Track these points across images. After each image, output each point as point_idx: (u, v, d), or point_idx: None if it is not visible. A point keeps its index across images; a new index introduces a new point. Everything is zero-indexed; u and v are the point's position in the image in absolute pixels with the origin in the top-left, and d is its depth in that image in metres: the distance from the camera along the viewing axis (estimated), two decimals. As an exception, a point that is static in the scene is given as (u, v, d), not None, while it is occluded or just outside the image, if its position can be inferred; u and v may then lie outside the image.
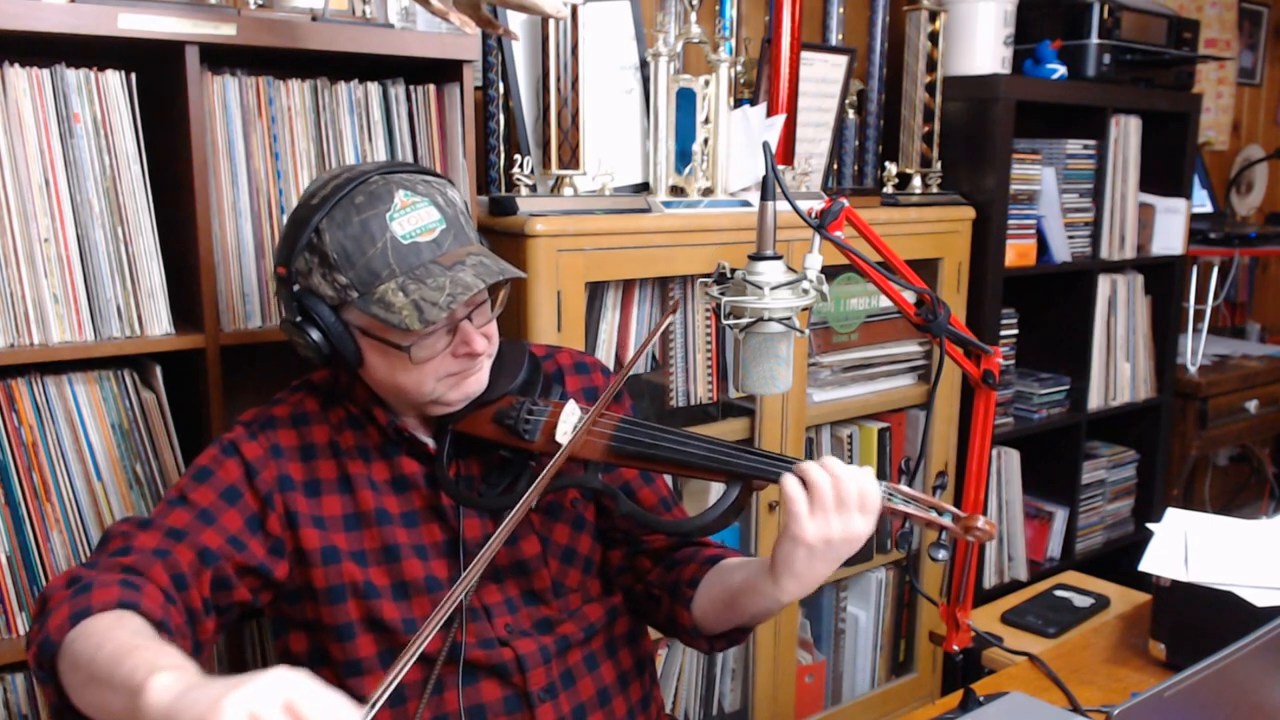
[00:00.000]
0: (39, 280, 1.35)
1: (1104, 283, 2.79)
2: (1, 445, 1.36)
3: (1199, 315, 3.09)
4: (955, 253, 2.33)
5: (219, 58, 1.44)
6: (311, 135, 1.52)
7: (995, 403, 1.27)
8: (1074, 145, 2.64)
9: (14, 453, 1.36)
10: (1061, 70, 2.53)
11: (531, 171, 1.86)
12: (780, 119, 2.07)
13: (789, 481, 1.08)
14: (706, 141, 1.97)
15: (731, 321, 1.16)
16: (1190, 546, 1.46)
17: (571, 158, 1.82)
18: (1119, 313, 2.86)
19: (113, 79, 1.37)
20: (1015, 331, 2.68)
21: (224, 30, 1.37)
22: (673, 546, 1.32)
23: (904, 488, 1.12)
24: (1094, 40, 2.55)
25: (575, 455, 1.17)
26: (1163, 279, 2.97)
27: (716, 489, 1.92)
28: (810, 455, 2.20)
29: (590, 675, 1.28)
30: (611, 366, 1.86)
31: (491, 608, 1.23)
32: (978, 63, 2.40)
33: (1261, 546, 1.45)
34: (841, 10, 2.35)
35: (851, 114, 2.36)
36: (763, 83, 2.12)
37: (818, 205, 1.18)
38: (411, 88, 1.59)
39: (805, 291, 1.15)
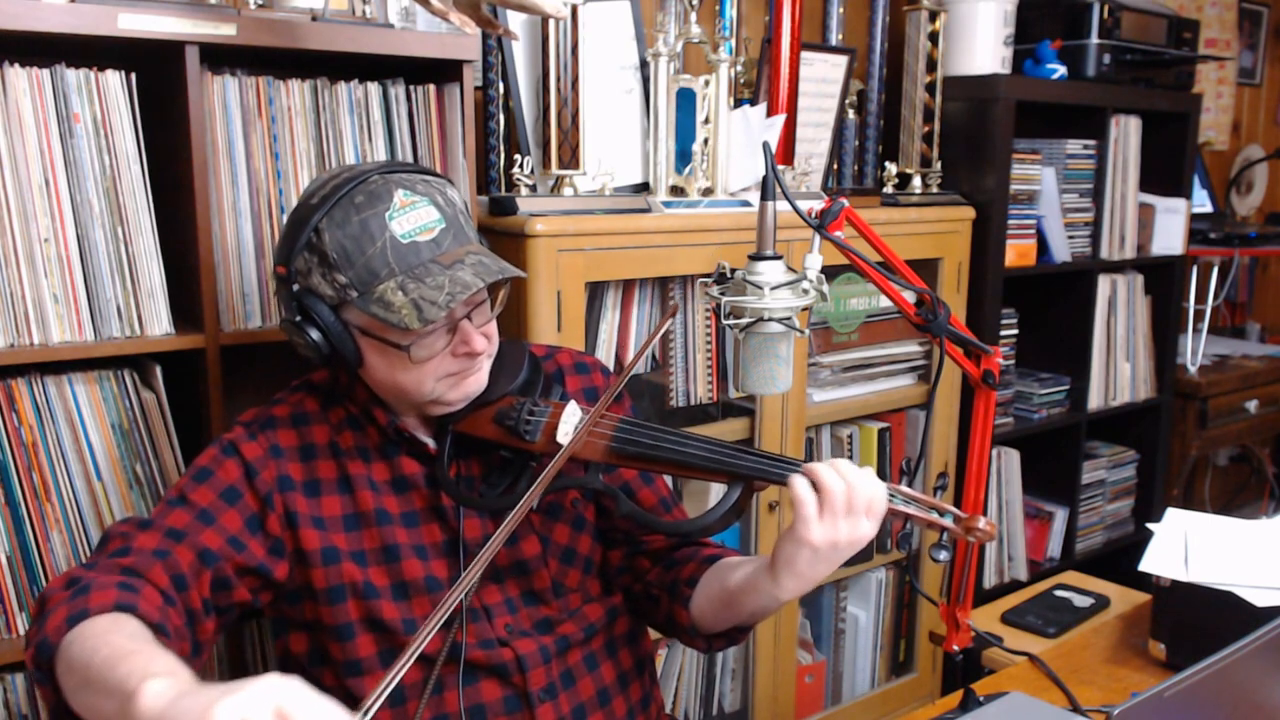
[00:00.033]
0: (39, 280, 1.35)
1: (1104, 283, 2.79)
2: (1, 445, 1.36)
3: (1199, 315, 3.09)
4: (955, 253, 2.33)
5: (219, 58, 1.44)
6: (311, 135, 1.52)
7: (995, 403, 1.27)
8: (1074, 145, 2.64)
9: (14, 453, 1.36)
10: (1061, 70, 2.53)
11: (531, 171, 1.86)
12: (780, 119, 2.07)
13: (799, 483, 1.07)
14: (706, 141, 1.97)
15: (731, 321, 1.16)
16: (1190, 546, 1.46)
17: (571, 158, 1.82)
18: (1119, 313, 2.86)
19: (113, 79, 1.37)
20: (1015, 331, 2.68)
21: (224, 30, 1.37)
22: (672, 547, 1.32)
23: (905, 488, 1.12)
24: (1094, 40, 2.55)
25: (576, 456, 1.17)
26: (1163, 279, 2.97)
27: (717, 489, 1.92)
28: (810, 455, 2.21)
29: (590, 675, 1.28)
30: (611, 367, 1.86)
31: (491, 608, 1.23)
32: (978, 63, 2.40)
33: (1261, 546, 1.45)
34: (841, 10, 2.35)
35: (851, 114, 2.36)
36: (763, 83, 2.12)
37: (818, 205, 1.18)
38: (411, 88, 1.59)
39: (805, 291, 1.15)
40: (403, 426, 1.23)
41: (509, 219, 1.72)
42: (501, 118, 1.90)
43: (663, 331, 1.62)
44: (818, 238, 1.16)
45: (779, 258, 1.16)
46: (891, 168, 2.29)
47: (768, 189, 1.15)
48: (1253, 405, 3.25)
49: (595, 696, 1.27)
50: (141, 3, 1.33)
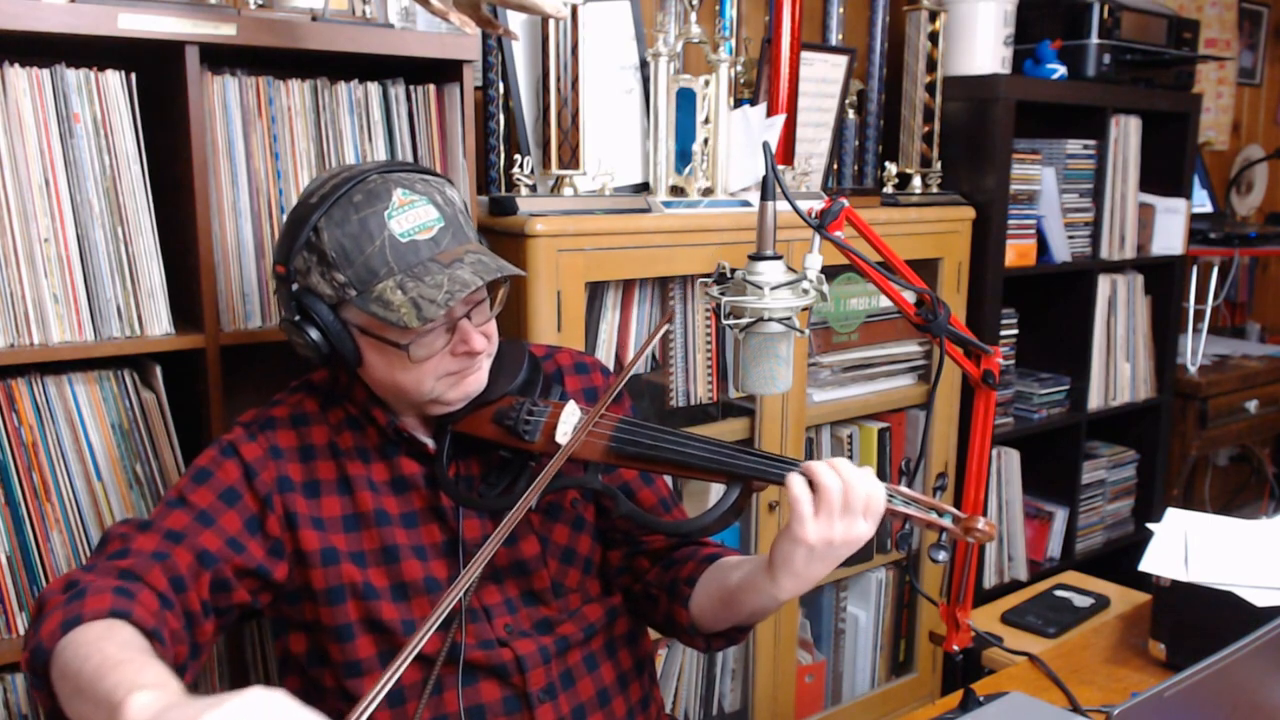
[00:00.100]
0: (39, 280, 1.35)
1: (1104, 283, 2.79)
2: (1, 445, 1.36)
3: (1199, 315, 3.09)
4: (955, 253, 2.33)
5: (219, 58, 1.44)
6: (311, 135, 1.52)
7: (995, 403, 1.27)
8: (1074, 145, 2.64)
9: (14, 453, 1.36)
10: (1061, 70, 2.53)
11: (531, 171, 1.86)
12: (780, 119, 2.07)
13: (796, 482, 1.07)
14: (706, 141, 1.97)
15: (731, 321, 1.16)
16: (1190, 546, 1.46)
17: (571, 158, 1.82)
18: (1119, 313, 2.86)
19: (113, 79, 1.37)
20: (1015, 331, 2.68)
21: (224, 30, 1.37)
22: (671, 546, 1.32)
23: (904, 489, 1.12)
24: (1094, 40, 2.55)
25: (575, 456, 1.17)
26: (1163, 279, 2.97)
27: (716, 489, 1.92)
28: (810, 455, 2.21)
29: (590, 676, 1.28)
30: (611, 367, 1.86)
31: (491, 608, 1.23)
32: (978, 63, 2.40)
33: (1261, 546, 1.45)
34: (841, 10, 2.35)
35: (851, 114, 2.36)
36: (763, 83, 2.12)
37: (818, 205, 1.18)
38: (411, 88, 1.59)
39: (805, 291, 1.15)
40: (402, 426, 1.23)
41: (509, 219, 1.72)
42: (501, 118, 1.90)
43: (659, 335, 1.62)
44: (818, 238, 1.16)
45: (779, 258, 1.16)
46: (891, 168, 2.29)
47: (768, 189, 1.15)
48: (1253, 405, 3.25)
49: (595, 697, 1.27)
50: (141, 3, 1.33)
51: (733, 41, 2.25)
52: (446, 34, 1.57)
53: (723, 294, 1.16)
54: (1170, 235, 2.90)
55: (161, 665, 0.91)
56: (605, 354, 1.90)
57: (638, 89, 2.01)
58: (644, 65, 2.00)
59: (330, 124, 1.52)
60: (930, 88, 2.34)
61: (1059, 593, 1.79)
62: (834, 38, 2.35)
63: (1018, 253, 2.52)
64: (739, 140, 2.01)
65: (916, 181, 2.35)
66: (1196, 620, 1.39)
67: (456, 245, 1.15)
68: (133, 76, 1.39)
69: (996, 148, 2.39)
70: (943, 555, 1.09)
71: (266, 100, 1.47)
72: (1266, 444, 3.66)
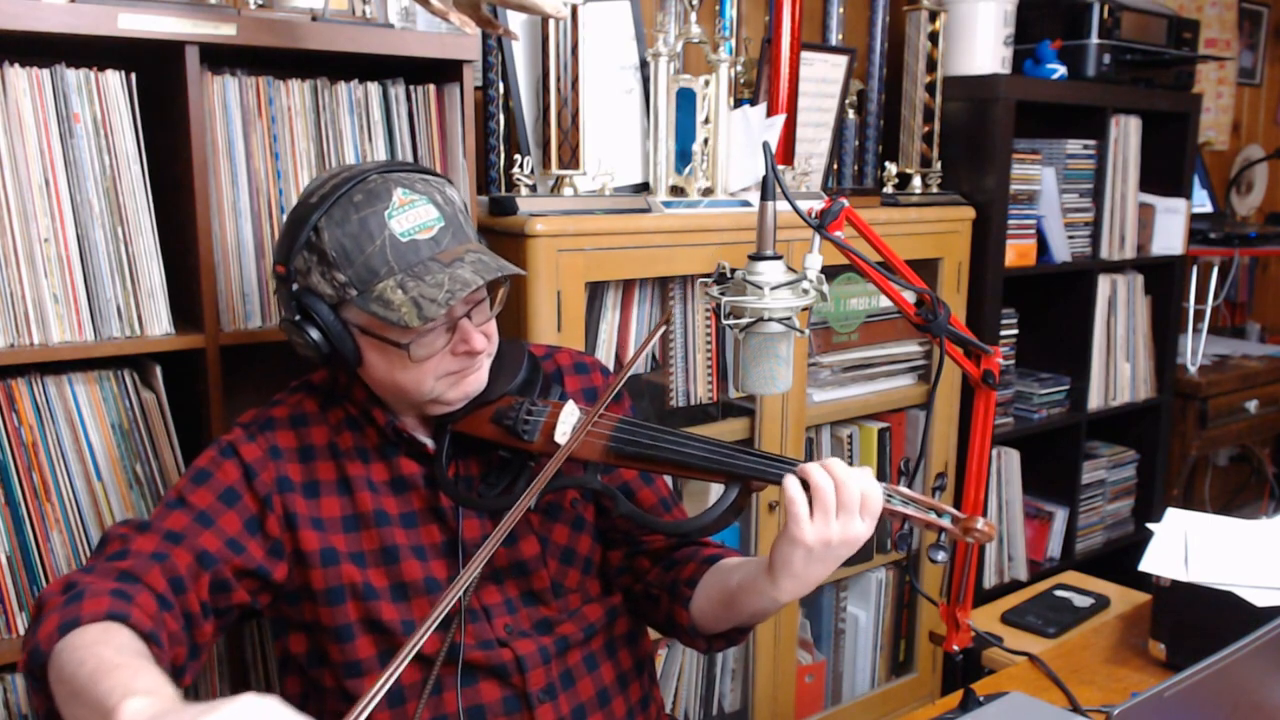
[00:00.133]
0: (39, 280, 1.35)
1: (1104, 283, 2.79)
2: (1, 445, 1.36)
3: (1199, 315, 3.09)
4: (955, 253, 2.33)
5: (219, 58, 1.44)
6: (311, 135, 1.52)
7: (995, 403, 1.27)
8: (1074, 145, 2.64)
9: (14, 453, 1.36)
10: (1061, 70, 2.53)
11: (531, 171, 1.86)
12: (780, 119, 2.07)
13: (790, 483, 1.07)
14: (706, 141, 1.97)
15: (731, 321, 1.16)
16: (1190, 546, 1.46)
17: (571, 158, 1.82)
18: (1119, 313, 2.86)
19: (113, 79, 1.37)
20: (1015, 331, 2.68)
21: (224, 30, 1.37)
22: (672, 547, 1.32)
23: (903, 489, 1.11)
24: (1094, 40, 2.55)
25: (574, 456, 1.17)
26: (1163, 279, 2.97)
27: (716, 489, 1.92)
28: (810, 455, 2.21)
29: (590, 676, 1.28)
30: (611, 367, 1.86)
31: (491, 608, 1.23)
32: (978, 63, 2.40)
33: (1261, 546, 1.45)
34: (841, 10, 2.35)
35: (851, 114, 2.36)
36: (763, 83, 2.12)
37: (818, 205, 1.18)
38: (411, 88, 1.59)
39: (805, 291, 1.15)
40: (401, 427, 1.23)
41: (509, 219, 1.72)
42: (501, 118, 1.90)
43: (657, 336, 1.62)
44: (818, 238, 1.16)
45: (779, 258, 1.16)
46: (891, 168, 2.29)
47: (768, 189, 1.15)
48: (1253, 405, 3.25)
49: (595, 697, 1.27)
50: (141, 3, 1.33)
51: (733, 41, 2.25)
52: (446, 34, 1.57)
53: (723, 294, 1.16)
54: (1170, 235, 2.90)
55: (157, 670, 0.91)
56: (605, 354, 1.90)
57: (638, 89, 2.01)
58: (644, 65, 2.00)
59: (330, 124, 1.52)
60: (930, 88, 2.34)
61: (1059, 593, 1.79)
62: (834, 38, 2.35)
63: (1018, 253, 2.52)
64: (739, 140, 2.01)
65: (916, 181, 2.35)
66: (1196, 620, 1.39)
67: (457, 245, 1.15)
68: (133, 76, 1.39)
69: (996, 148, 2.39)
70: (942, 555, 1.09)
71: (266, 100, 1.47)
72: (1266, 444, 3.66)
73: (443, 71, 1.60)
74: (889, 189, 2.30)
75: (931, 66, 2.33)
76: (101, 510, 1.43)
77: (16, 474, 1.37)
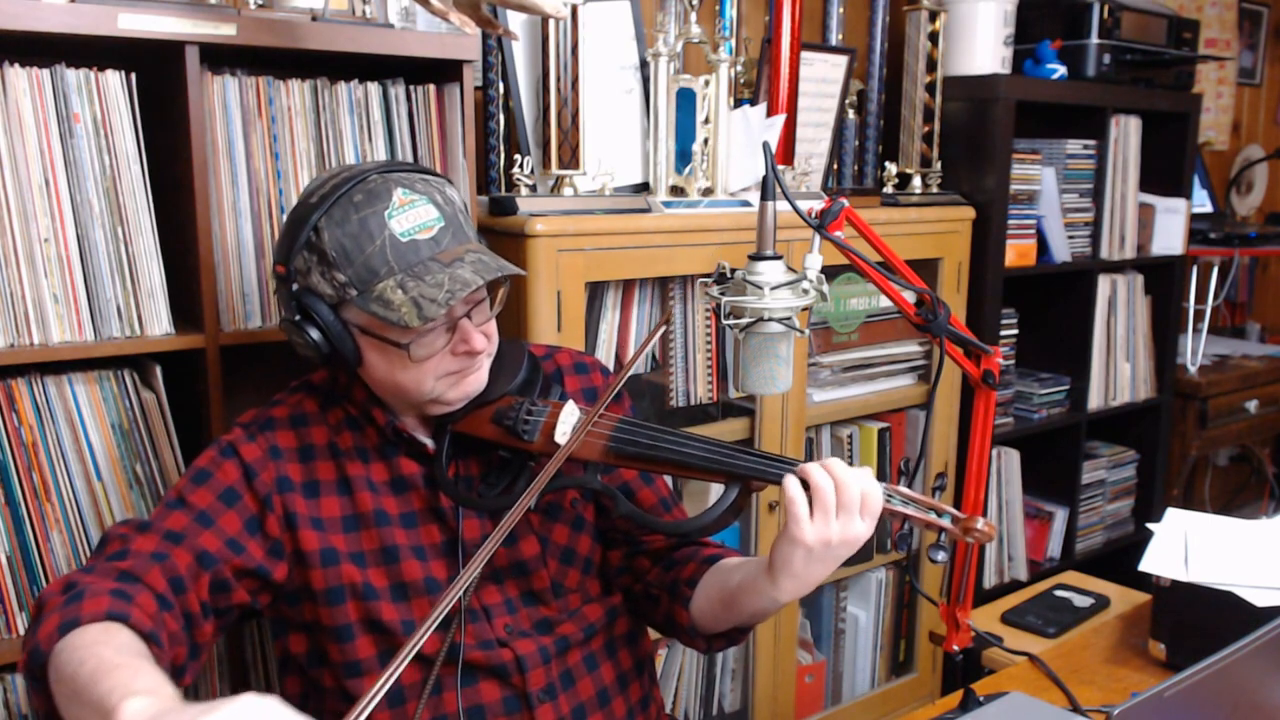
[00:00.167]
0: (39, 280, 1.35)
1: (1104, 283, 2.79)
2: (1, 445, 1.36)
3: (1199, 315, 3.09)
4: (955, 253, 2.33)
5: (219, 58, 1.44)
6: (311, 135, 1.52)
7: (995, 403, 1.27)
8: (1074, 145, 2.64)
9: (14, 453, 1.36)
10: (1061, 70, 2.53)
11: (531, 171, 1.86)
12: (780, 119, 2.07)
13: (791, 483, 1.07)
14: (706, 141, 1.97)
15: (731, 321, 1.16)
16: (1190, 546, 1.46)
17: (571, 158, 1.82)
18: (1119, 313, 2.86)
19: (113, 79, 1.37)
20: (1015, 331, 2.68)
21: (224, 30, 1.37)
22: (672, 546, 1.32)
23: (903, 489, 1.11)
24: (1094, 40, 2.55)
25: (574, 456, 1.17)
26: (1163, 279, 2.97)
27: (717, 489, 1.92)
28: (810, 455, 2.21)
29: (590, 676, 1.28)
30: (611, 367, 1.86)
31: (491, 608, 1.23)
32: (978, 63, 2.40)
33: (1261, 546, 1.45)
34: (841, 10, 2.35)
35: (851, 114, 2.36)
36: (763, 83, 2.12)
37: (818, 205, 1.18)
38: (411, 88, 1.59)
39: (805, 291, 1.15)
40: (401, 427, 1.23)
41: (509, 219, 1.72)
42: (501, 118, 1.90)
43: (657, 337, 1.62)
44: (818, 238, 1.16)
45: (779, 258, 1.16)
46: (891, 168, 2.29)
47: (768, 189, 1.15)
48: (1253, 405, 3.25)
49: (595, 697, 1.27)
50: (141, 3, 1.33)
51: (733, 41, 2.25)
52: (446, 34, 1.57)
53: (723, 294, 1.16)
54: (1170, 235, 2.90)
55: (156, 670, 0.91)
56: (605, 354, 1.90)
57: (638, 89, 2.01)
58: (644, 65, 2.00)
59: (330, 124, 1.52)
60: (930, 88, 2.34)
61: (1059, 593, 1.79)
62: (834, 38, 2.35)
63: (1018, 253, 2.52)
64: (739, 140, 2.01)
65: (916, 181, 2.35)
66: (1196, 620, 1.39)
67: (457, 245, 1.15)
68: (133, 76, 1.39)
69: (996, 148, 2.39)
70: (941, 556, 1.09)
71: (266, 100, 1.47)
72: (1266, 444, 3.66)
73: (443, 71, 1.60)
74: (889, 189, 2.30)
75: (931, 66, 2.33)
76: (101, 510, 1.43)
77: (16, 474, 1.37)
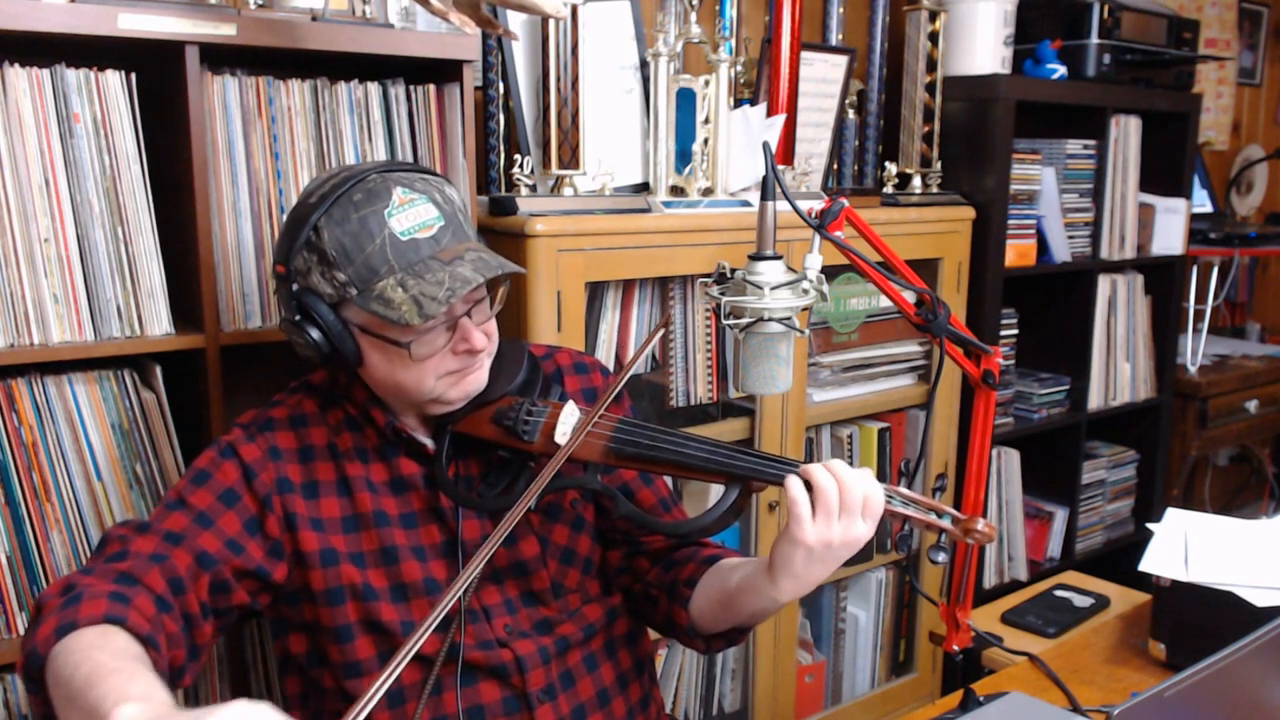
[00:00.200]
0: (39, 280, 1.35)
1: (1104, 283, 2.79)
2: (1, 445, 1.35)
3: (1199, 315, 3.09)
4: (955, 253, 2.33)
5: (219, 58, 1.44)
6: (311, 135, 1.51)
7: (995, 403, 1.27)
8: (1074, 145, 2.64)
9: (14, 453, 1.36)
10: (1061, 70, 2.53)
11: (531, 171, 1.86)
12: (780, 119, 2.07)
13: (793, 484, 1.07)
14: (706, 141, 1.97)
15: (731, 321, 1.16)
16: (1190, 546, 1.46)
17: (571, 158, 1.82)
18: (1119, 313, 2.86)
19: (113, 79, 1.37)
20: (1015, 331, 2.68)
21: (224, 30, 1.37)
22: (671, 547, 1.32)
23: (903, 489, 1.11)
24: (1094, 40, 2.55)
25: (574, 456, 1.17)
26: (1163, 279, 2.97)
27: (716, 490, 1.92)
28: (810, 455, 2.21)
29: (590, 676, 1.28)
30: (611, 367, 1.86)
31: (491, 609, 1.23)
32: (978, 63, 2.40)
33: (1261, 546, 1.45)
34: (841, 10, 2.35)
35: (851, 114, 2.36)
36: (763, 83, 2.12)
37: (818, 205, 1.18)
38: (411, 88, 1.59)
39: (805, 291, 1.15)
40: (401, 427, 1.23)
41: (509, 219, 1.72)
42: (501, 118, 1.90)
43: (656, 338, 1.62)
44: (818, 238, 1.16)
45: (779, 258, 1.16)
46: (891, 168, 2.29)
47: (768, 189, 1.15)
48: (1253, 405, 3.25)
49: (595, 697, 1.27)
50: (141, 3, 1.33)
51: (733, 41, 2.25)
52: (446, 34, 1.57)
53: (723, 294, 1.16)
54: (1170, 235, 2.90)
55: (152, 675, 0.91)
56: (605, 354, 1.90)
57: (638, 89, 2.01)
58: (644, 65, 2.00)
59: (330, 124, 1.52)
60: (930, 88, 2.34)
61: (1059, 593, 1.79)
62: (834, 38, 2.35)
63: (1018, 253, 2.52)
64: (739, 140, 2.01)
65: (916, 181, 2.35)
66: (1196, 620, 1.39)
67: (457, 243, 1.15)
68: (133, 76, 1.39)
69: (996, 148, 2.39)
70: (942, 556, 1.09)
71: (266, 100, 1.47)
72: (1266, 444, 3.66)
73: (443, 71, 1.60)
74: (889, 189, 2.30)
75: (931, 66, 2.33)
76: (101, 510, 1.43)
77: (16, 474, 1.37)
